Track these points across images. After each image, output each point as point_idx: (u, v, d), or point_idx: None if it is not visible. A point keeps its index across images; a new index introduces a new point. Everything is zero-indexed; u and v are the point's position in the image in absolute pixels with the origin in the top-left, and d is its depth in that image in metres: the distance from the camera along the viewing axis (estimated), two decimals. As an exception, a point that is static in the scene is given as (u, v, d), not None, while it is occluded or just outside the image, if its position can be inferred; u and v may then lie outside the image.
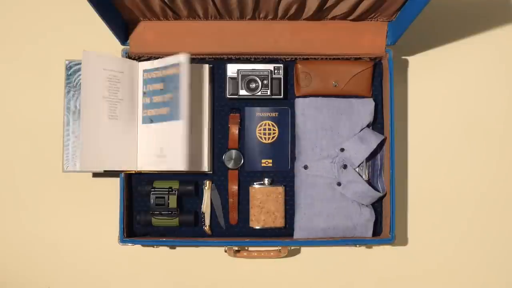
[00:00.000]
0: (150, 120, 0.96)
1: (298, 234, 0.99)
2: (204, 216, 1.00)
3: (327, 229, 0.99)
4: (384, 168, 0.99)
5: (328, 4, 0.93)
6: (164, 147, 0.94)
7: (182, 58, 0.92)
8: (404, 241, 1.06)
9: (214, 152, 1.01)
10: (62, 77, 1.01)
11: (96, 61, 0.93)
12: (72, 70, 1.00)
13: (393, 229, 0.96)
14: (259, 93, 0.99)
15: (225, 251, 0.98)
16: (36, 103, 1.07)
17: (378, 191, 0.99)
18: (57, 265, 1.06)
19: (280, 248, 0.97)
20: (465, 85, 1.08)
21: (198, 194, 1.01)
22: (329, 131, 1.00)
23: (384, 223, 1.00)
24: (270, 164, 1.02)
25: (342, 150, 0.99)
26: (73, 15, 1.07)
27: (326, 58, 1.01)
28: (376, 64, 1.01)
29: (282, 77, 1.00)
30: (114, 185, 0.96)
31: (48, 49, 1.07)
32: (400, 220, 1.04)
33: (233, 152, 1.01)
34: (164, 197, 0.98)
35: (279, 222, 1.00)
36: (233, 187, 1.01)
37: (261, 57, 1.00)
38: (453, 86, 1.08)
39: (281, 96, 1.00)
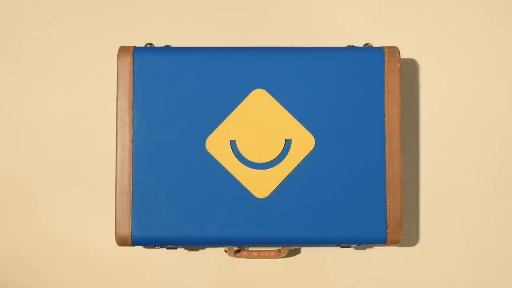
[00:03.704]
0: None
1: None
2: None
3: None
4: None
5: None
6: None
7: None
8: (412, 242, 1.06)
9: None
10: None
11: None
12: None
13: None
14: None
15: (225, 251, 0.98)
16: (37, 102, 1.07)
17: None
18: (57, 265, 1.06)
19: (280, 248, 0.97)
20: (477, 78, 1.08)
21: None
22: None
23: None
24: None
25: None
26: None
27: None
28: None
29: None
30: (114, 185, 0.96)
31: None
32: (407, 220, 1.03)
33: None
34: (164, 197, 0.98)
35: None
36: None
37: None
38: (466, 80, 1.08)
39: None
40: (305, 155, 0.94)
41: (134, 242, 0.94)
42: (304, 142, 0.95)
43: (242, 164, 0.94)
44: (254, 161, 0.95)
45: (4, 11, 1.08)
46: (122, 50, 0.96)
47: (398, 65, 0.95)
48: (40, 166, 1.06)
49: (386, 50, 0.96)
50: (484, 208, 1.06)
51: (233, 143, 0.94)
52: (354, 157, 0.94)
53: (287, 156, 0.94)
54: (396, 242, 0.95)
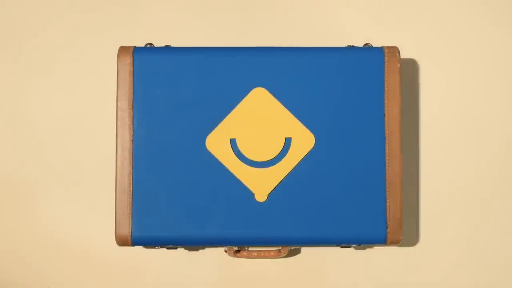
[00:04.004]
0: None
1: None
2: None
3: None
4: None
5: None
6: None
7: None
8: (412, 242, 1.06)
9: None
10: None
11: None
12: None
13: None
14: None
15: (225, 251, 0.98)
16: (37, 102, 1.07)
17: None
18: (57, 265, 1.05)
19: (280, 248, 0.97)
20: (476, 77, 1.08)
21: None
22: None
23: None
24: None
25: None
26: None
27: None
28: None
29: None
30: (114, 185, 0.96)
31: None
32: (407, 220, 1.03)
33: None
34: (164, 197, 0.98)
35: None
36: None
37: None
38: (465, 81, 1.08)
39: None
40: (305, 154, 0.95)
41: (134, 242, 0.94)
42: (304, 141, 0.95)
43: (242, 163, 0.94)
44: (254, 159, 0.95)
45: (4, 11, 1.08)
46: (122, 50, 0.96)
47: (398, 65, 0.95)
48: (40, 166, 1.06)
49: (386, 50, 0.96)
50: (484, 208, 1.06)
51: (233, 142, 0.94)
52: (354, 157, 0.94)
53: (287, 155, 0.94)
54: (396, 242, 0.94)
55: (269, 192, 0.94)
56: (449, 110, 1.07)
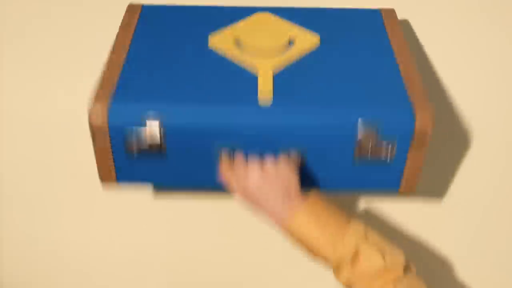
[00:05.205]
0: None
1: None
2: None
3: None
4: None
5: None
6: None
7: None
8: (412, 242, 1.07)
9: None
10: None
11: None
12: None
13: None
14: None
15: (220, 155, 0.82)
16: (37, 101, 1.06)
17: None
18: (57, 266, 1.06)
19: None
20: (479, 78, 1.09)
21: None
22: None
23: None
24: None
25: None
26: None
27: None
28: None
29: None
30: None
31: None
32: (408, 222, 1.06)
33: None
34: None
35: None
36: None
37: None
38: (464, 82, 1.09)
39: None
40: (309, 49, 0.90)
41: (111, 117, 0.79)
42: (308, 39, 0.91)
43: (246, 56, 0.88)
44: (259, 56, 0.88)
45: (4, 10, 1.12)
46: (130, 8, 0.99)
47: (398, 23, 0.98)
48: (40, 166, 1.06)
49: (383, 13, 1.00)
50: (485, 209, 1.06)
51: (237, 41, 0.91)
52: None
53: (291, 49, 0.89)
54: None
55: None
56: (449, 110, 1.07)
